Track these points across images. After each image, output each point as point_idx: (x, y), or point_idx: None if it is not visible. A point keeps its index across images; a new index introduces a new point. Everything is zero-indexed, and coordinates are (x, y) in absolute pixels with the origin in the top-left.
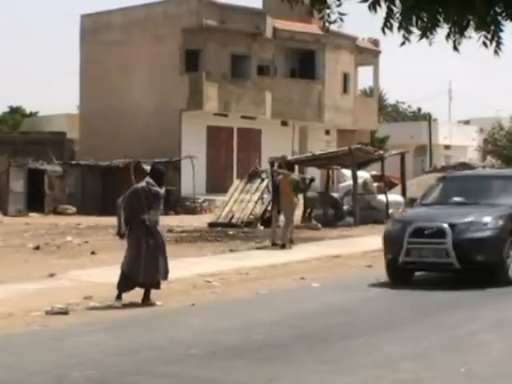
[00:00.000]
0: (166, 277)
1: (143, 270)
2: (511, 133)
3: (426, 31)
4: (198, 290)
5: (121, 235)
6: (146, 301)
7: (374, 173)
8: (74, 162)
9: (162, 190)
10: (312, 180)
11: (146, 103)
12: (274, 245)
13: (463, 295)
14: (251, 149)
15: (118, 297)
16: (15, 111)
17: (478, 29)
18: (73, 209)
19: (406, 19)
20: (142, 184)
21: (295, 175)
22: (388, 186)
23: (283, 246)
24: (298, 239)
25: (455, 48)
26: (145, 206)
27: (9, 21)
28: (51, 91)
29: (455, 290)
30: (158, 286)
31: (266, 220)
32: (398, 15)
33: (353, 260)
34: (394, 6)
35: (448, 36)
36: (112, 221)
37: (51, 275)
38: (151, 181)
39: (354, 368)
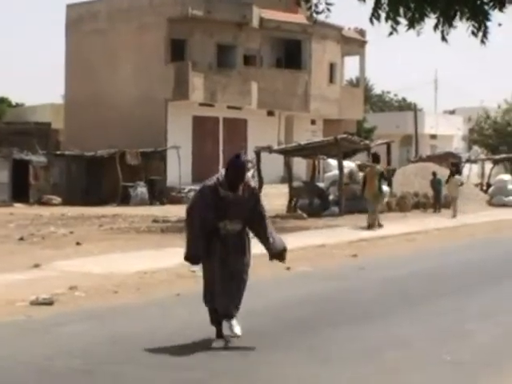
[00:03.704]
0: (237, 309)
1: (218, 296)
2: (498, 122)
3: (414, 22)
4: (183, 280)
5: (192, 259)
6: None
7: (359, 162)
8: (58, 153)
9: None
10: (394, 170)
11: (131, 93)
12: (369, 227)
13: (450, 284)
14: (237, 139)
15: (218, 335)
16: (1, 101)
17: (465, 19)
18: (58, 199)
19: (394, 10)
20: (212, 181)
21: (380, 166)
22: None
23: (373, 226)
24: (284, 229)
25: (443, 38)
26: (218, 212)
27: None
28: (36, 81)
29: (442, 279)
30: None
31: None
32: (385, 5)
33: (338, 249)
34: None
35: (436, 26)
36: (97, 210)
37: (36, 266)
38: (223, 178)
39: (340, 356)
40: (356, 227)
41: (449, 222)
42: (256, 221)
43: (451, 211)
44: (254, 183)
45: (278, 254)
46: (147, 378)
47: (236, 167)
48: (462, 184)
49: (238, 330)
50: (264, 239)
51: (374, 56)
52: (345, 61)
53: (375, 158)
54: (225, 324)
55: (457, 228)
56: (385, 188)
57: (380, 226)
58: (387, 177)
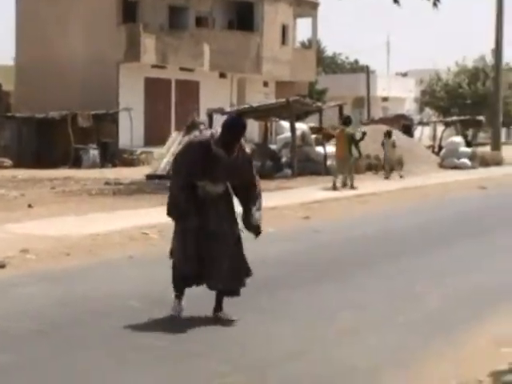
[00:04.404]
0: (233, 285)
1: (192, 264)
2: (449, 84)
3: None
4: (135, 242)
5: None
6: (217, 310)
7: (312, 125)
8: (9, 115)
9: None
10: (364, 133)
11: (83, 55)
12: (335, 189)
13: (401, 246)
14: (189, 101)
15: (177, 296)
16: None
17: None
18: (9, 162)
19: None
20: (204, 136)
21: (350, 129)
22: (326, 137)
23: (352, 187)
24: None
25: (395, 1)
26: (203, 170)
27: None
28: None
29: (393, 241)
30: (232, 293)
31: None
32: None
33: (290, 211)
34: None
35: None
36: (48, 173)
37: None
38: (218, 136)
39: (293, 318)
40: (309, 189)
41: (400, 184)
42: (243, 189)
43: (396, 173)
44: (249, 149)
45: (252, 227)
46: (100, 340)
47: (235, 127)
48: (394, 145)
49: (232, 316)
50: (246, 209)
51: (327, 18)
52: (297, 23)
53: (346, 121)
54: (216, 317)
55: (408, 190)
56: (354, 151)
57: (353, 187)
58: (358, 139)
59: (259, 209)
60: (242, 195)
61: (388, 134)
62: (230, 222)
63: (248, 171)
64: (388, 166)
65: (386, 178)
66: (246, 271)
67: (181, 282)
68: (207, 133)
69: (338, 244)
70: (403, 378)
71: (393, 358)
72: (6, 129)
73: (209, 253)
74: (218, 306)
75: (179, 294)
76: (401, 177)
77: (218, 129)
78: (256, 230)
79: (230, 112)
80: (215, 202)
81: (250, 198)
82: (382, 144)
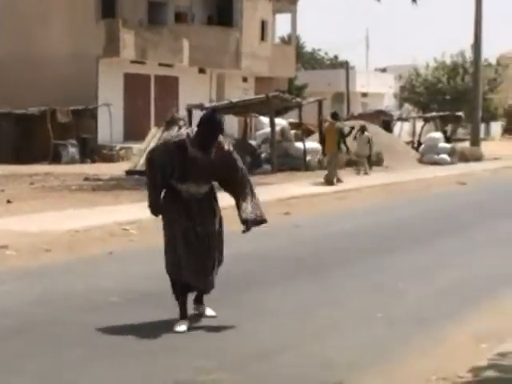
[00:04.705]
0: (212, 284)
1: (185, 268)
2: (428, 80)
3: None
4: (115, 238)
5: (153, 210)
6: (198, 303)
7: (291, 120)
8: None
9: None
10: (352, 128)
11: (62, 50)
12: (327, 183)
13: (382, 242)
14: (169, 96)
15: (181, 311)
16: None
17: None
18: None
19: None
20: (180, 137)
21: (339, 123)
22: (305, 133)
23: (331, 183)
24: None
25: None
26: (182, 173)
27: None
28: None
29: (374, 237)
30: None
31: None
32: None
33: (270, 207)
34: None
35: None
36: (28, 169)
37: None
38: (194, 136)
39: (270, 314)
40: (292, 185)
41: (380, 180)
42: (231, 185)
43: (361, 169)
44: (227, 145)
45: (243, 221)
46: (81, 337)
47: (211, 124)
48: (369, 141)
49: (210, 311)
50: (237, 204)
51: (306, 13)
52: (276, 18)
53: (334, 116)
54: (196, 309)
55: (388, 186)
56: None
57: (339, 181)
58: (346, 134)
59: (252, 203)
60: (231, 191)
61: (362, 130)
62: (215, 221)
63: (231, 168)
64: (368, 161)
65: (365, 173)
66: (219, 262)
67: (179, 289)
68: (183, 133)
69: (319, 240)
70: (383, 373)
71: (373, 354)
72: None
73: (199, 255)
74: (199, 300)
75: (180, 304)
76: (357, 173)
77: (194, 129)
78: (246, 224)
79: (208, 107)
80: (200, 203)
81: (240, 194)
82: (355, 138)
